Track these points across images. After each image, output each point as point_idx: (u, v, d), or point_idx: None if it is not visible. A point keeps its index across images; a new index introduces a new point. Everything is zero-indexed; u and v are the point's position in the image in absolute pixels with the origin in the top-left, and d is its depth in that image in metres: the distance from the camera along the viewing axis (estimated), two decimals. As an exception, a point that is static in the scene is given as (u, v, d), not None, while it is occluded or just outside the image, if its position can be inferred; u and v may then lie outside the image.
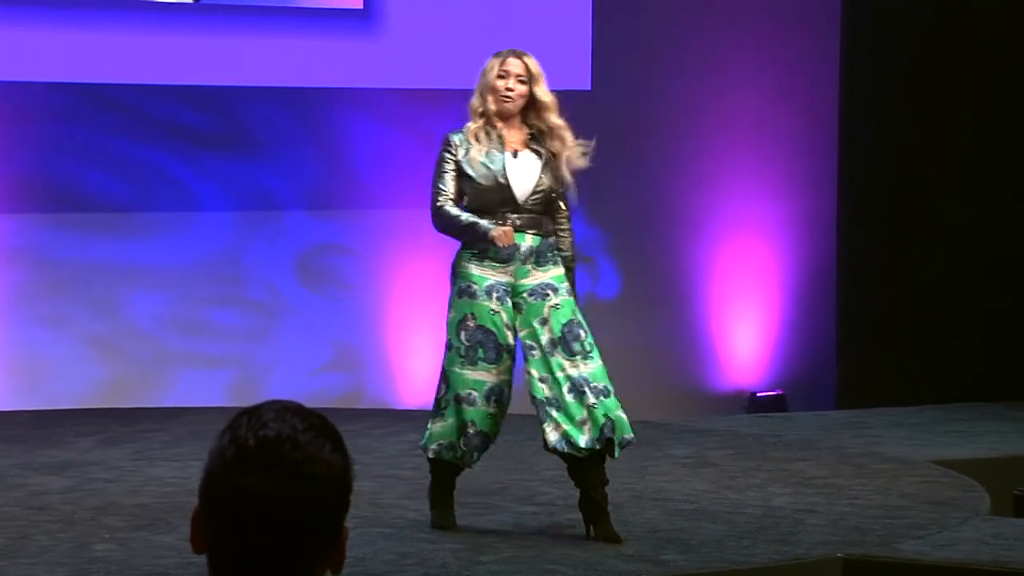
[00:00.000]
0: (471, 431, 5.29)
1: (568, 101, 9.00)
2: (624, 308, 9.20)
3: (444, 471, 5.44)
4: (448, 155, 5.40)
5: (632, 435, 5.29)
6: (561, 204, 5.44)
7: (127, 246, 8.37)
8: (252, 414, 1.82)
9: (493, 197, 5.32)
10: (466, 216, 5.33)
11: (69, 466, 6.27)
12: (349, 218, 8.77)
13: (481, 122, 5.39)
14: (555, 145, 5.40)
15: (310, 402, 1.87)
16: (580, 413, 5.22)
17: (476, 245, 5.30)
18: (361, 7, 8.42)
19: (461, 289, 5.33)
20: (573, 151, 5.43)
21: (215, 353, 8.45)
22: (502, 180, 5.33)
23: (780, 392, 9.37)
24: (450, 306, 5.37)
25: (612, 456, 5.28)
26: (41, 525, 5.29)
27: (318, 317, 8.65)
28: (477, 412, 5.28)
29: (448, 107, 8.80)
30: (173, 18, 8.10)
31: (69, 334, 8.17)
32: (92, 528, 5.26)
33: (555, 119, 5.41)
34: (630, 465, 6.50)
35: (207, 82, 8.27)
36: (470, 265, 5.33)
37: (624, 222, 9.22)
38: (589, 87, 8.84)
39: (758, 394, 9.33)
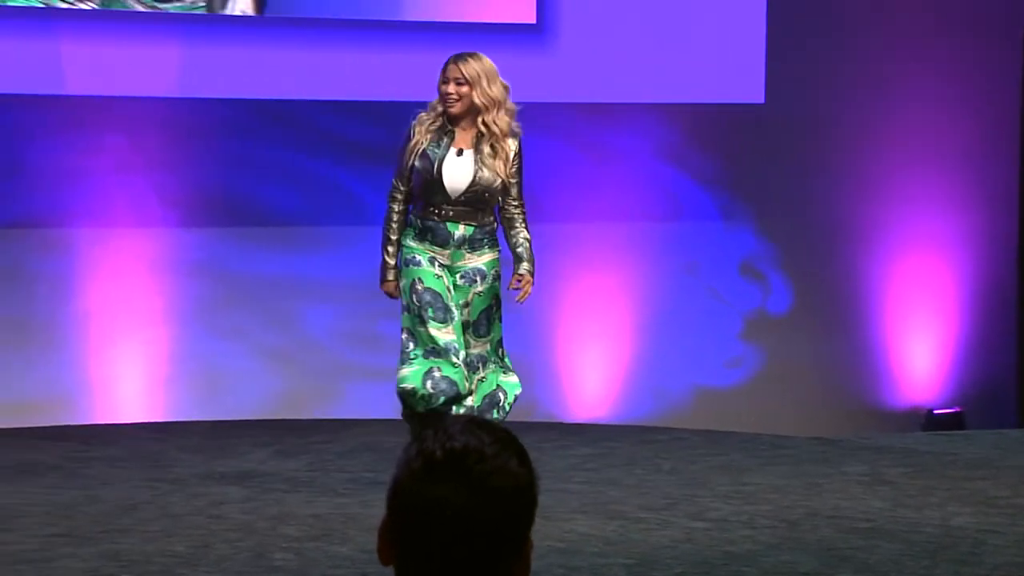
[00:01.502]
0: (437, 374, 5.80)
1: (741, 114, 9.01)
2: (796, 323, 9.13)
3: (415, 426, 5.83)
4: (410, 143, 5.93)
5: (520, 389, 6.00)
6: (511, 195, 5.95)
7: (302, 259, 8.53)
8: (438, 427, 1.86)
9: (430, 189, 5.88)
10: (389, 245, 5.95)
11: (247, 476, 6.41)
12: (520, 232, 8.82)
13: (434, 115, 5.91)
14: (497, 146, 5.87)
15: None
16: (471, 384, 5.86)
17: (417, 226, 5.90)
18: (534, 21, 8.49)
19: (407, 260, 5.93)
20: (503, 151, 5.87)
21: (387, 365, 8.53)
22: (436, 176, 5.86)
23: (958, 409, 9.21)
24: (401, 274, 5.94)
25: (501, 416, 5.90)
26: (221, 534, 5.40)
27: (489, 331, 8.71)
28: (442, 362, 5.80)
29: (621, 121, 8.83)
30: (346, 34, 8.24)
31: (246, 346, 8.35)
32: (270, 538, 5.37)
33: (493, 119, 5.84)
34: (803, 481, 6.45)
35: (380, 97, 8.40)
36: (413, 242, 5.93)
37: (796, 236, 9.15)
38: (763, 100, 8.80)
39: (935, 411, 9.18)
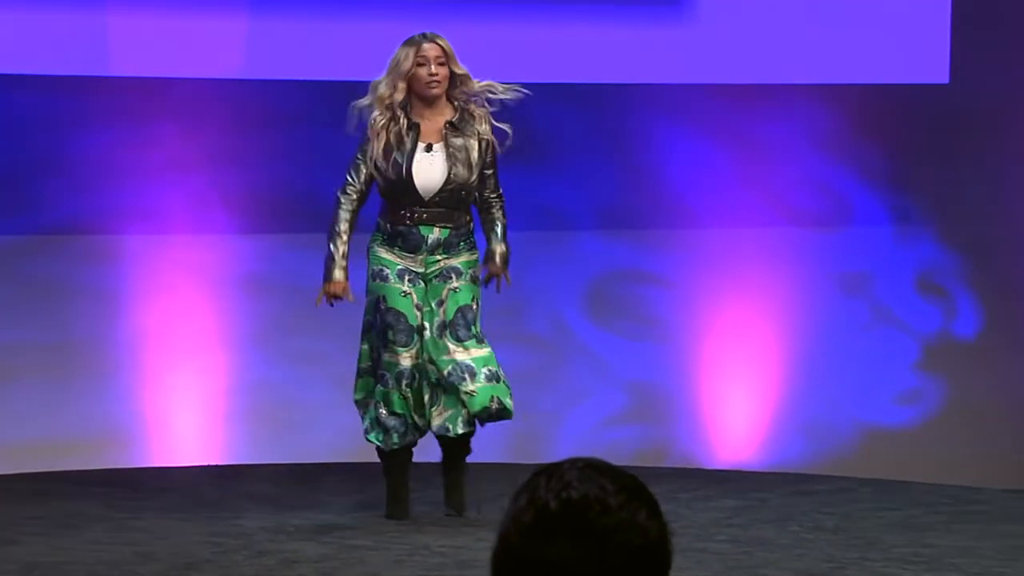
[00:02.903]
0: (383, 411, 6.46)
1: (920, 97, 8.94)
2: (986, 350, 9.04)
3: (384, 458, 6.57)
4: (373, 143, 6.48)
5: (512, 417, 6.53)
6: (488, 187, 6.52)
7: (389, 272, 8.58)
8: (552, 473, 1.87)
9: (400, 191, 6.45)
10: (338, 241, 6.51)
11: (324, 530, 6.47)
12: (651, 239, 8.84)
13: (388, 115, 6.44)
14: (475, 122, 6.47)
15: (603, 458, 1.91)
16: (459, 394, 6.40)
17: (386, 230, 6.48)
18: (669, -11, 8.49)
19: (374, 272, 6.50)
20: (485, 123, 6.49)
21: (490, 399, 8.59)
22: (406, 177, 6.41)
23: None
24: (367, 287, 6.54)
25: (481, 424, 6.53)
26: (293, 598, 5.48)
27: (613, 357, 8.73)
28: (391, 393, 6.43)
29: (772, 106, 8.80)
30: (449, 6, 8.30)
31: (321, 374, 8.40)
32: (352, 603, 5.43)
33: (472, 88, 6.49)
34: (998, 543, 6.38)
35: (491, 78, 8.43)
36: (381, 250, 6.51)
37: (987, 245, 9.06)
38: (947, 80, 8.74)
39: None
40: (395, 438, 6.48)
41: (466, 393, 6.39)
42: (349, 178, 6.55)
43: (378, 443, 6.54)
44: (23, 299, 8.16)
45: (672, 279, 8.81)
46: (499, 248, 6.58)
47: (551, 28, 8.37)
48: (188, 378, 8.31)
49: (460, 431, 6.46)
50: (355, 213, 6.54)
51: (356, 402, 6.63)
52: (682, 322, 8.78)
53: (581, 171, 8.71)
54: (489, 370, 6.41)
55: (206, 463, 8.06)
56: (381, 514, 6.80)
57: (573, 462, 1.87)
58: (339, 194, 6.56)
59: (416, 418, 6.46)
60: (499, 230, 6.57)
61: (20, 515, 6.67)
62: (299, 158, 8.45)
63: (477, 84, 6.51)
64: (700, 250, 8.78)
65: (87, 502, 6.94)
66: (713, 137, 8.76)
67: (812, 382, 8.88)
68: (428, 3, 8.29)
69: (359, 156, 6.52)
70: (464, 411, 6.41)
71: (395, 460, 6.57)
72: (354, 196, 6.53)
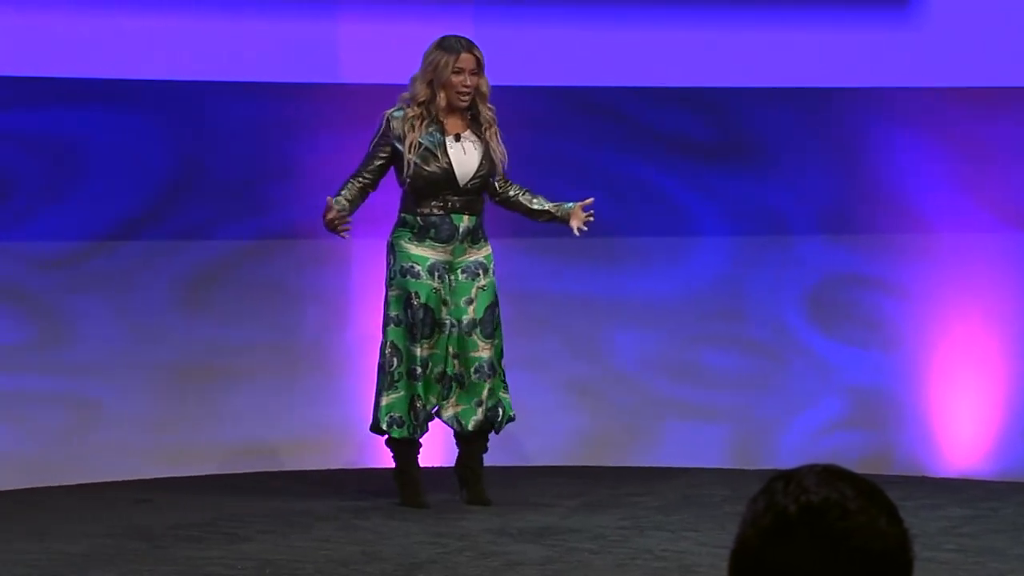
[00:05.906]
0: (419, 404, 6.81)
1: None
2: None
3: (402, 449, 6.90)
4: (385, 139, 6.90)
5: (513, 414, 6.98)
6: (499, 177, 6.98)
7: (609, 276, 8.62)
8: (790, 478, 1.90)
9: (435, 180, 6.82)
10: (342, 190, 6.85)
11: (547, 532, 6.53)
12: (876, 244, 8.77)
13: (419, 111, 6.85)
14: (488, 131, 6.90)
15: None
16: (480, 394, 6.87)
17: (415, 224, 6.82)
18: (897, -7, 8.42)
19: (404, 268, 6.84)
20: (496, 137, 6.92)
21: (710, 403, 8.59)
22: (445, 165, 6.82)
23: None
24: (391, 283, 6.89)
25: (496, 432, 7.01)
26: (519, 599, 5.54)
27: (836, 362, 8.68)
28: (422, 386, 6.79)
29: (1004, 108, 8.68)
30: (663, 12, 8.32)
31: (546, 379, 8.47)
32: (577, 606, 5.48)
33: (489, 106, 6.92)
34: None
35: (706, 83, 8.44)
36: (410, 245, 6.86)
37: None
38: None
39: None
40: (421, 431, 6.87)
41: (489, 389, 6.84)
42: (362, 169, 6.91)
43: (407, 435, 6.83)
44: (252, 301, 8.33)
45: (896, 284, 8.73)
46: (561, 204, 7.05)
47: (777, 32, 8.35)
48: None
49: (471, 428, 6.86)
50: (361, 192, 6.87)
51: (377, 394, 6.91)
52: (906, 327, 8.69)
53: (804, 175, 8.68)
54: (496, 367, 6.88)
55: (430, 465, 8.18)
56: (605, 517, 6.86)
57: (811, 468, 1.90)
58: (349, 179, 6.90)
59: (427, 406, 6.84)
60: (535, 194, 7.07)
61: (251, 513, 6.83)
62: (520, 162, 8.52)
63: (489, 106, 6.91)
64: (925, 255, 8.69)
65: (316, 501, 7.08)
66: (939, 141, 8.67)
67: (1041, 389, 8.74)
68: (640, 10, 8.32)
69: (375, 153, 6.89)
70: (479, 410, 6.85)
71: (414, 449, 6.91)
72: (363, 181, 6.88)
